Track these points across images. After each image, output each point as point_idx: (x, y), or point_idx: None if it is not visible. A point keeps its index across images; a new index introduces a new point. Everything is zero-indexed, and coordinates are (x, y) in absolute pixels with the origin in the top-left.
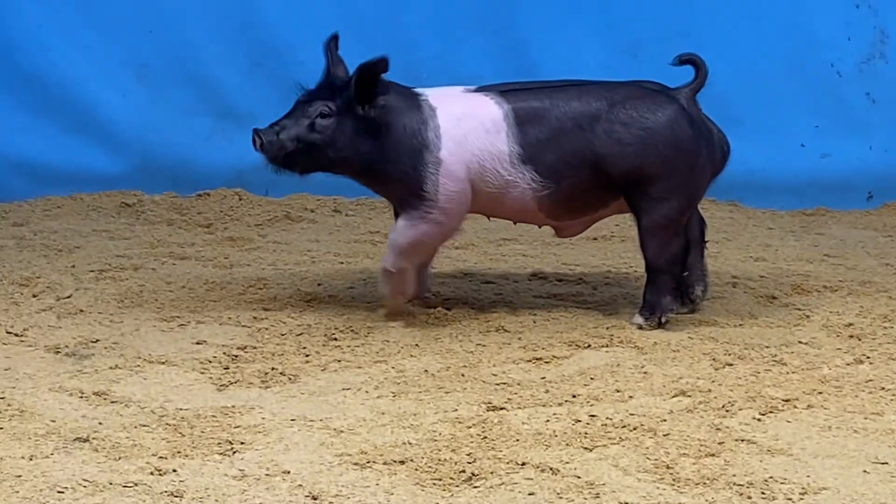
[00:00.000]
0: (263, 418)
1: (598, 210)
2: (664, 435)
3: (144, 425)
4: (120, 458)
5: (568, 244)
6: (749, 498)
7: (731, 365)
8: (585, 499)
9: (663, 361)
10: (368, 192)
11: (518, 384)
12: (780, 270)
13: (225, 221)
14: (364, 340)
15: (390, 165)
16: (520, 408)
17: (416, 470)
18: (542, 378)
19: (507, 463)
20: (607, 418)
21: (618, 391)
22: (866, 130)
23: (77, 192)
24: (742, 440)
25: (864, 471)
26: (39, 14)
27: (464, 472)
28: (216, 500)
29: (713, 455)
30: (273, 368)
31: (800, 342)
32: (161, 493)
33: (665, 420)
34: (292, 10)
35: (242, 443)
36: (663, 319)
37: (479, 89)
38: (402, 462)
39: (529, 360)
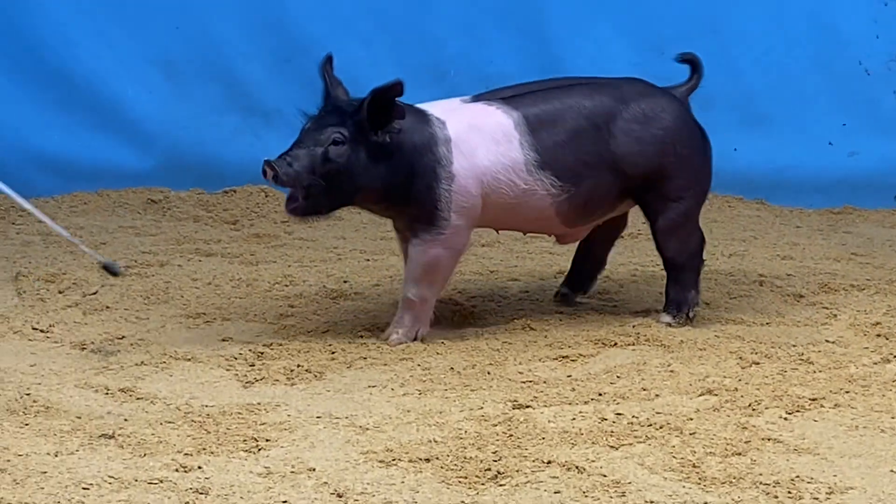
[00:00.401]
0: (289, 415)
1: (606, 213)
2: (690, 434)
3: (170, 422)
4: (145, 455)
5: None
6: (775, 497)
7: (757, 364)
8: (611, 497)
9: (690, 360)
10: None
11: (544, 382)
12: (808, 269)
13: (251, 218)
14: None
15: (404, 186)
16: (546, 406)
17: (442, 468)
18: (569, 376)
19: (533, 461)
20: (633, 417)
21: (644, 389)
22: (894, 129)
23: (103, 188)
24: (769, 439)
25: (892, 470)
26: (67, 11)
27: (489, 470)
28: (241, 498)
29: (739, 454)
30: (299, 366)
31: (827, 341)
32: (186, 490)
33: (691, 419)
34: (319, 6)
35: (268, 440)
36: (691, 315)
37: (476, 98)
38: (427, 460)
39: (555, 358)
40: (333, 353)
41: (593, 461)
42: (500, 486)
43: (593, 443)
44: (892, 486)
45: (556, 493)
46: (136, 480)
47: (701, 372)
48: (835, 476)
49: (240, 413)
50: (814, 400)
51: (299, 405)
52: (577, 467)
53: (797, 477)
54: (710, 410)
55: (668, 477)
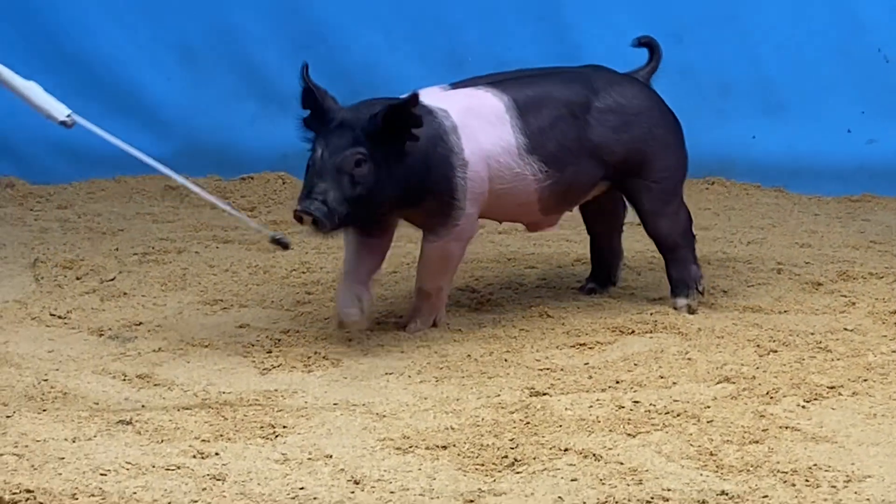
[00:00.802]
0: (306, 402)
1: (580, 200)
2: (708, 421)
3: (187, 408)
4: (163, 441)
5: None
6: (793, 485)
7: (775, 352)
8: (628, 485)
9: (707, 348)
10: None
11: (561, 370)
12: (826, 257)
13: (268, 205)
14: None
15: (423, 181)
16: (563, 393)
17: (459, 455)
18: (586, 364)
19: (550, 449)
20: (651, 404)
21: (661, 377)
22: None
23: (121, 174)
24: (786, 427)
25: None
26: None
27: (506, 457)
28: (258, 484)
29: (757, 442)
30: (316, 352)
31: (845, 329)
32: (203, 476)
33: (709, 407)
34: None
35: (285, 427)
36: (701, 289)
37: (454, 86)
38: (444, 447)
39: (573, 346)
40: (350, 340)
41: (610, 449)
42: (517, 473)
43: (610, 430)
44: None
45: (572, 480)
46: (154, 466)
47: (718, 360)
48: (853, 464)
49: (257, 400)
50: (832, 388)
51: (316, 392)
52: (594, 455)
53: (815, 465)
54: (727, 398)
55: (685, 465)
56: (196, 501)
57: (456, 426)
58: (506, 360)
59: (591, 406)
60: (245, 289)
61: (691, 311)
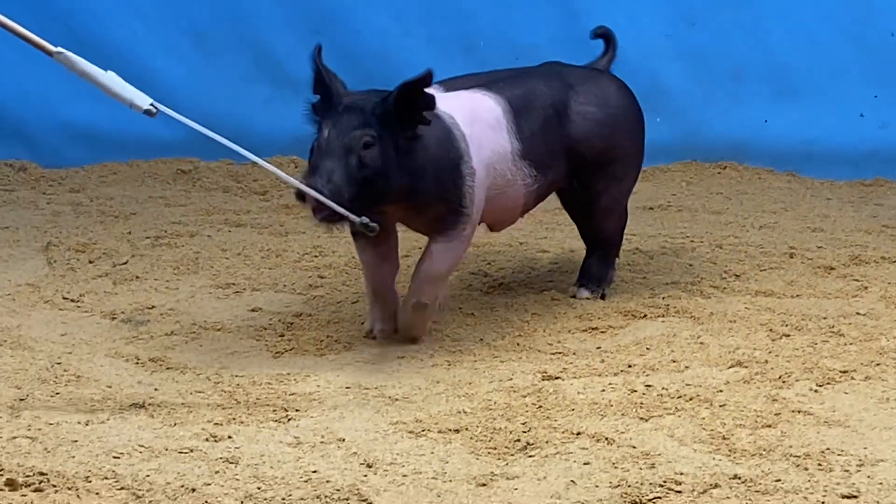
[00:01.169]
0: (318, 386)
1: (544, 199)
2: (720, 406)
3: (200, 392)
4: (175, 425)
5: None
6: (805, 469)
7: (788, 336)
8: (641, 469)
9: (720, 332)
10: None
11: (574, 354)
12: (838, 241)
13: (280, 189)
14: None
15: (432, 184)
16: (575, 377)
17: (471, 439)
18: (598, 348)
19: (563, 432)
20: (663, 388)
21: (674, 361)
22: None
23: (133, 158)
24: (799, 411)
25: None
26: None
27: (519, 441)
28: (271, 467)
29: (770, 426)
30: (328, 336)
31: (857, 313)
32: (216, 459)
33: (721, 391)
34: None
35: (297, 410)
36: (606, 292)
37: (443, 84)
38: (456, 431)
39: (585, 330)
40: (363, 323)
41: (623, 433)
42: (530, 457)
43: (623, 414)
44: None
45: (585, 464)
46: (167, 449)
47: (731, 344)
48: (865, 448)
49: (269, 383)
50: (844, 372)
51: (329, 376)
52: (606, 439)
53: (827, 449)
54: (740, 382)
55: (697, 449)
56: (209, 484)
57: (468, 410)
58: (518, 344)
59: (603, 390)
60: (257, 272)
61: (588, 300)
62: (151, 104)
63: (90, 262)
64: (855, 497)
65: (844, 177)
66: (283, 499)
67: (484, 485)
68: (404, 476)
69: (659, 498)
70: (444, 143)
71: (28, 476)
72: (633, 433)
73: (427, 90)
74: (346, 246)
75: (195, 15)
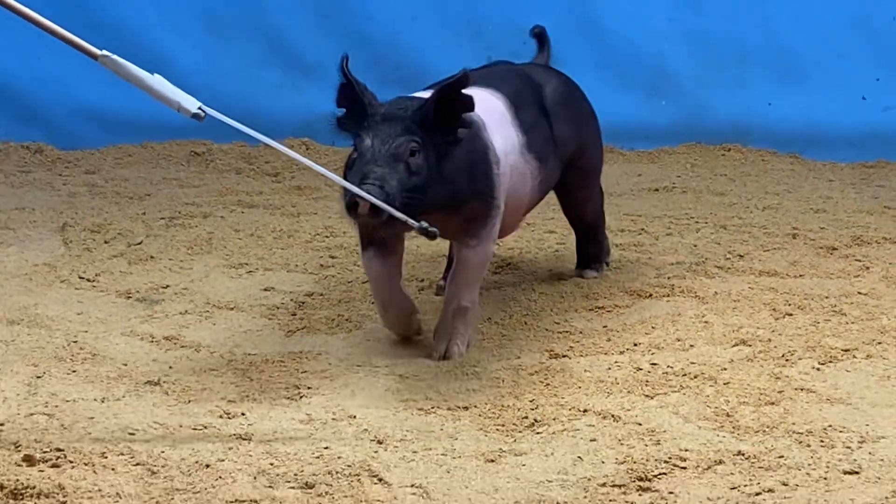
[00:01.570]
0: (330, 364)
1: (544, 196)
2: (724, 383)
3: (213, 370)
4: (190, 402)
5: (630, 195)
6: (808, 446)
7: (790, 315)
8: (646, 445)
9: (724, 311)
10: None
11: (580, 332)
12: (840, 222)
13: (292, 171)
14: (429, 288)
15: (466, 181)
16: (582, 356)
17: (480, 416)
18: (604, 327)
19: (569, 409)
20: (668, 367)
21: (678, 340)
22: None
23: (148, 140)
24: (801, 389)
25: None
26: None
27: (526, 418)
28: (283, 444)
29: (773, 403)
30: (339, 315)
31: (859, 293)
32: (230, 436)
33: (725, 369)
34: None
35: (309, 388)
36: (608, 261)
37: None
38: (465, 408)
39: (591, 309)
40: (373, 302)
41: (628, 410)
42: (537, 433)
43: (628, 392)
44: None
45: (591, 440)
46: (181, 426)
47: (735, 323)
48: (867, 425)
49: (282, 361)
50: (846, 351)
51: (340, 354)
52: (612, 416)
53: (829, 426)
54: (743, 361)
55: (702, 425)
56: (222, 461)
57: (477, 388)
58: (525, 324)
59: (609, 368)
60: (270, 252)
61: (597, 277)
62: (199, 108)
63: (105, 242)
64: (857, 473)
65: (847, 159)
66: (296, 474)
67: (492, 461)
68: (414, 452)
69: (664, 474)
70: (471, 137)
71: (45, 452)
72: (639, 410)
73: (464, 94)
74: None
75: (208, 0)
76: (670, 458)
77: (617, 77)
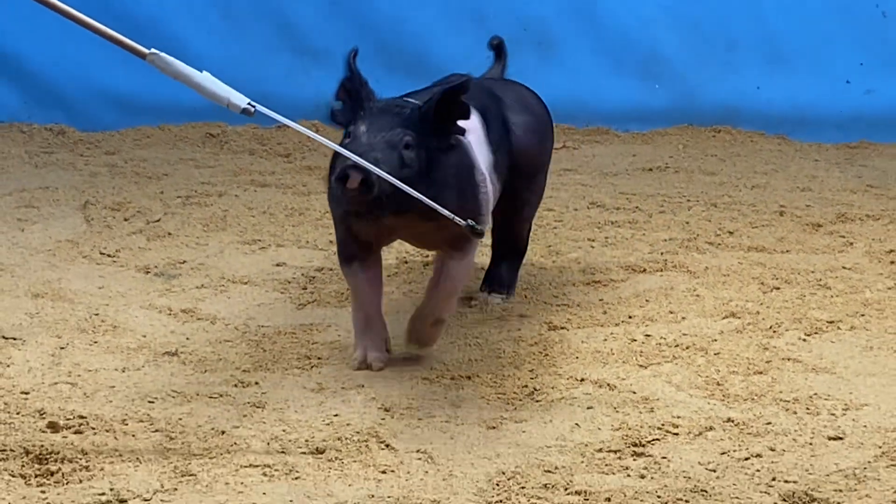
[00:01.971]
0: (339, 335)
1: None
2: (715, 354)
3: (228, 341)
4: (206, 371)
5: (625, 175)
6: (794, 413)
7: (778, 289)
8: (640, 413)
9: (714, 285)
10: None
11: (577, 306)
12: (826, 200)
13: (303, 151)
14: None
15: (455, 196)
16: (579, 328)
17: (482, 385)
18: (600, 300)
19: (567, 379)
20: (661, 338)
21: (671, 313)
22: None
23: (165, 123)
24: (788, 359)
25: None
26: None
27: (526, 387)
28: (295, 411)
29: (761, 373)
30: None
31: (843, 267)
32: (244, 403)
33: (716, 340)
34: None
35: (320, 358)
36: (513, 293)
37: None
38: (468, 377)
39: (588, 284)
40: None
41: (623, 379)
42: (536, 401)
43: (623, 362)
44: None
45: (588, 408)
46: (198, 395)
47: (725, 296)
48: (850, 394)
49: (293, 333)
50: (831, 322)
51: (349, 326)
52: (608, 385)
53: (815, 394)
54: (733, 332)
55: (693, 394)
56: (237, 427)
57: (479, 358)
58: (525, 297)
59: (605, 339)
60: (282, 229)
61: (500, 304)
62: (249, 103)
63: (125, 219)
64: (841, 439)
65: (831, 140)
66: (307, 440)
67: (493, 427)
68: (419, 419)
69: (657, 440)
70: (458, 153)
71: (69, 419)
72: (633, 380)
73: (463, 100)
74: None
75: None
76: (663, 424)
77: (612, 62)
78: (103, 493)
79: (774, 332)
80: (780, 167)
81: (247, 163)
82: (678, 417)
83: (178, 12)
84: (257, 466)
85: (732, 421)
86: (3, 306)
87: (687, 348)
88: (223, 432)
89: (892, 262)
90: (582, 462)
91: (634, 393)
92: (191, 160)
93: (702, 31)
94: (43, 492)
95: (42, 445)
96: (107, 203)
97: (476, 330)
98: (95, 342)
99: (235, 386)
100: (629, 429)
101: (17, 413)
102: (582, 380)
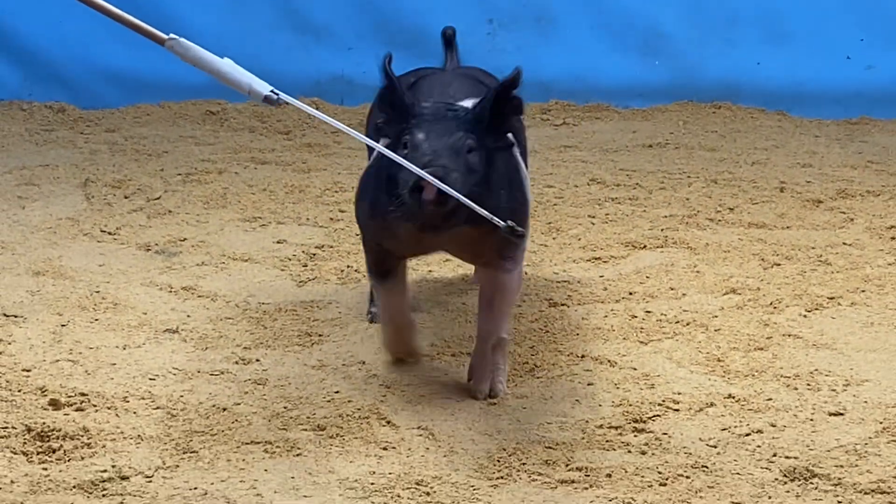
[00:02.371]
0: (340, 313)
1: None
2: (715, 330)
3: (229, 318)
4: (207, 349)
5: (625, 151)
6: (795, 389)
7: (778, 265)
8: (641, 389)
9: (715, 261)
10: None
11: (578, 282)
12: (826, 176)
13: (303, 129)
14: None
15: (508, 199)
16: (579, 304)
17: None
18: (601, 276)
19: (568, 356)
20: (662, 314)
21: (672, 289)
22: None
23: (165, 100)
24: (789, 335)
25: None
26: None
27: (527, 363)
28: (296, 388)
29: (761, 349)
30: (349, 266)
31: (844, 243)
32: (245, 380)
33: (716, 316)
34: None
35: (320, 335)
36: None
37: None
38: (468, 354)
39: (588, 260)
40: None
41: (624, 355)
42: (537, 378)
43: (624, 338)
44: None
45: (589, 385)
46: (199, 372)
47: (725, 272)
48: (851, 369)
49: (294, 310)
50: (832, 298)
51: (349, 303)
52: (608, 361)
53: (816, 370)
54: (733, 308)
55: (694, 370)
56: (238, 404)
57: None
58: (526, 274)
59: (605, 316)
60: (282, 207)
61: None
62: (271, 90)
63: (125, 197)
64: (841, 414)
65: (832, 116)
66: (308, 417)
67: (494, 404)
68: (421, 396)
69: (658, 416)
70: (504, 152)
71: (70, 396)
72: (634, 356)
73: (517, 95)
74: None
75: None
76: (664, 400)
77: (613, 38)
78: (105, 470)
79: (775, 308)
80: (781, 143)
81: (247, 140)
82: (679, 394)
83: None
84: (259, 443)
85: (733, 397)
86: (3, 284)
87: (687, 324)
88: (225, 409)
89: (892, 238)
90: (583, 438)
91: (635, 369)
92: (191, 137)
93: (702, 6)
94: (45, 469)
95: (44, 423)
96: (107, 181)
97: (476, 306)
98: (96, 320)
99: (236, 363)
100: (630, 405)
101: (19, 391)
102: (582, 356)
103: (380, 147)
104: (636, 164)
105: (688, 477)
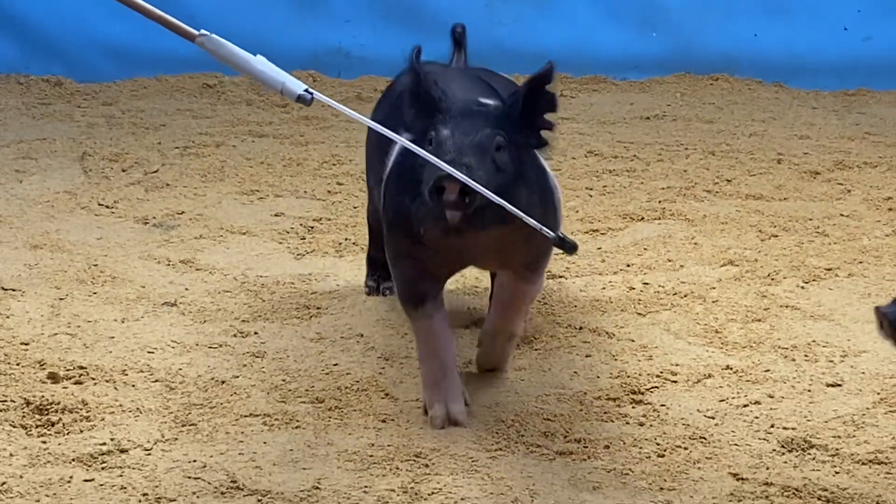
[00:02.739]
0: (338, 285)
1: None
2: (713, 301)
3: (227, 291)
4: (205, 322)
5: (623, 123)
6: (793, 360)
7: (776, 236)
8: (639, 361)
9: (712, 233)
10: None
11: (576, 254)
12: (823, 147)
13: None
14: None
15: (540, 203)
16: (577, 276)
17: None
18: (599, 248)
19: (566, 327)
20: (660, 286)
21: (669, 261)
22: None
23: (162, 73)
24: (786, 306)
25: None
26: None
27: (524, 335)
28: (294, 361)
29: (759, 320)
30: (346, 239)
31: (841, 215)
32: (243, 353)
33: (714, 288)
34: None
35: (319, 308)
36: None
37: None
38: (466, 327)
39: (586, 232)
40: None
41: (622, 327)
42: (536, 350)
43: (622, 310)
44: None
45: (587, 356)
46: (198, 345)
47: (723, 244)
48: (848, 340)
49: (292, 283)
50: (829, 270)
51: (348, 276)
52: (606, 333)
53: (813, 341)
54: (731, 280)
55: (691, 342)
56: (237, 377)
57: (478, 307)
58: None
59: (603, 288)
60: (280, 180)
61: None
62: (305, 89)
63: (123, 170)
64: (839, 385)
65: (829, 87)
66: (307, 390)
67: (492, 376)
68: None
69: (656, 387)
70: (531, 155)
71: (69, 370)
72: (632, 328)
73: (550, 91)
74: (362, 154)
75: None
76: (662, 372)
77: (610, 10)
78: (104, 443)
79: (772, 279)
80: (778, 115)
81: (244, 113)
82: (676, 365)
83: None
84: (257, 416)
85: (731, 368)
86: (1, 257)
87: (685, 296)
88: (223, 382)
89: (889, 210)
90: (581, 410)
91: (633, 341)
92: (188, 111)
93: None
94: (44, 442)
95: (43, 396)
96: (104, 154)
97: (474, 279)
98: (94, 293)
99: (235, 336)
100: (628, 377)
101: (18, 364)
102: (580, 328)
103: (406, 142)
104: (633, 136)
105: (686, 448)
